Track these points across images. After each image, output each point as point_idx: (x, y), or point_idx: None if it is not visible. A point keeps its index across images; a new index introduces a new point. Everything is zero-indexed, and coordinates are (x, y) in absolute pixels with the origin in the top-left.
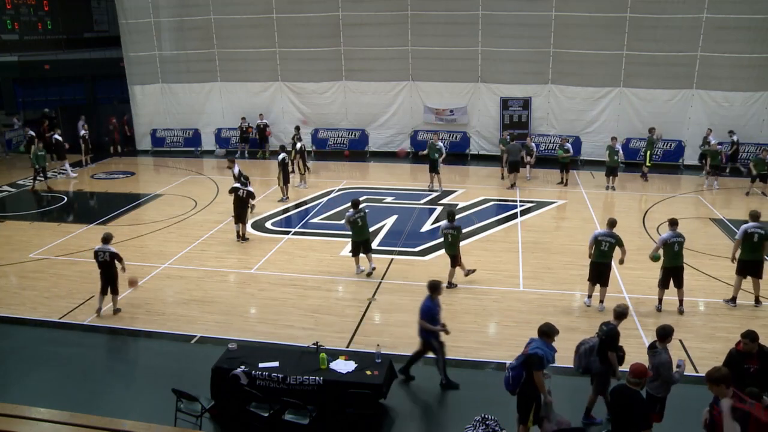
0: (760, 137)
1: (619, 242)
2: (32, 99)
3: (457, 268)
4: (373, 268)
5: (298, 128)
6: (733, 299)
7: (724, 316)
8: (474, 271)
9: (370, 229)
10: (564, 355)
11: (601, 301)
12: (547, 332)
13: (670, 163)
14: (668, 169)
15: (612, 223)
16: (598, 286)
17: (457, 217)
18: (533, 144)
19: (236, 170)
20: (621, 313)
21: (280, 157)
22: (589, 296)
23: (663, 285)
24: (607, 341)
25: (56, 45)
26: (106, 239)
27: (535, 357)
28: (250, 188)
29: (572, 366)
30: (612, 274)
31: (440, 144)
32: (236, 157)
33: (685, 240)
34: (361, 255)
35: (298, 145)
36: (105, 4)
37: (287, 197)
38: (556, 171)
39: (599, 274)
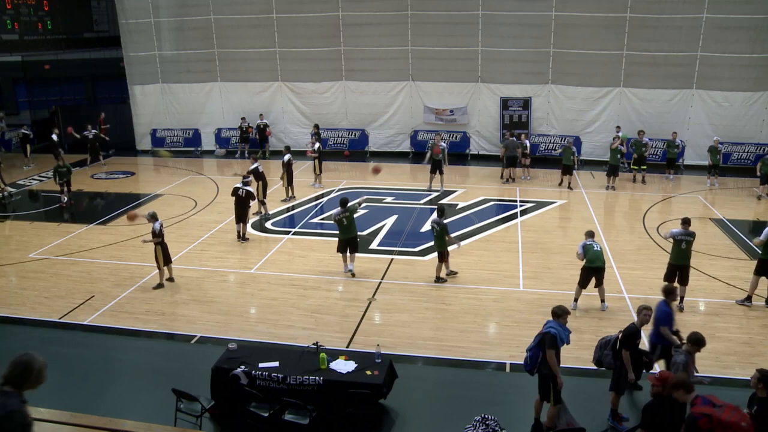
0: (760, 137)
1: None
2: (32, 99)
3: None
4: (350, 271)
5: (317, 126)
6: (749, 298)
7: (724, 316)
8: (455, 273)
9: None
10: (567, 356)
11: (603, 301)
12: (557, 312)
13: (674, 168)
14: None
15: (591, 234)
16: (596, 287)
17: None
18: (527, 141)
19: (258, 167)
20: (637, 311)
21: (286, 157)
22: (576, 299)
23: (668, 280)
24: (623, 339)
25: (56, 45)
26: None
27: (548, 335)
28: (249, 188)
29: (575, 366)
30: (612, 274)
31: (443, 144)
32: (236, 158)
33: (694, 239)
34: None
35: (317, 146)
36: (105, 4)
37: (293, 196)
38: (556, 171)
39: (593, 276)
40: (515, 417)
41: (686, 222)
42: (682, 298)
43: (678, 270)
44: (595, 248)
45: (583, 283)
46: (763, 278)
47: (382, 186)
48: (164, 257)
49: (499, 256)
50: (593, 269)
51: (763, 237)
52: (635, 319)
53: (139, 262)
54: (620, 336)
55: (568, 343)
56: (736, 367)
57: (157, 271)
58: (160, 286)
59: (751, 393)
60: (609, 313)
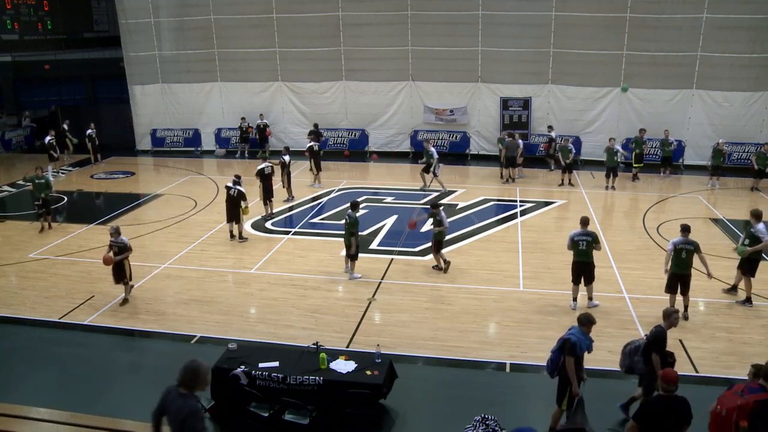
0: (760, 137)
1: (595, 240)
2: (32, 99)
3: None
4: (348, 271)
5: (316, 125)
6: (749, 299)
7: (724, 316)
8: (444, 268)
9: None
10: None
11: (590, 298)
12: (582, 321)
13: (671, 166)
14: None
15: (585, 222)
16: (585, 286)
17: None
18: (519, 141)
19: (264, 168)
20: (667, 314)
21: (286, 158)
22: (574, 299)
23: (671, 290)
24: (652, 343)
25: (56, 45)
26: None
27: (567, 342)
28: (241, 188)
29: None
30: (612, 274)
31: (432, 149)
32: (236, 157)
33: (695, 248)
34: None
35: (308, 144)
36: (105, 4)
37: (293, 197)
38: (555, 171)
39: (582, 273)
40: (515, 417)
41: (686, 229)
42: (686, 307)
43: (679, 279)
44: (580, 247)
45: (575, 280)
46: (740, 275)
47: (382, 186)
48: (130, 271)
49: (499, 256)
50: (578, 264)
51: (766, 237)
52: (635, 318)
53: (140, 262)
54: (648, 340)
55: (589, 351)
56: (736, 366)
57: (124, 286)
58: (126, 301)
59: None
60: (608, 313)
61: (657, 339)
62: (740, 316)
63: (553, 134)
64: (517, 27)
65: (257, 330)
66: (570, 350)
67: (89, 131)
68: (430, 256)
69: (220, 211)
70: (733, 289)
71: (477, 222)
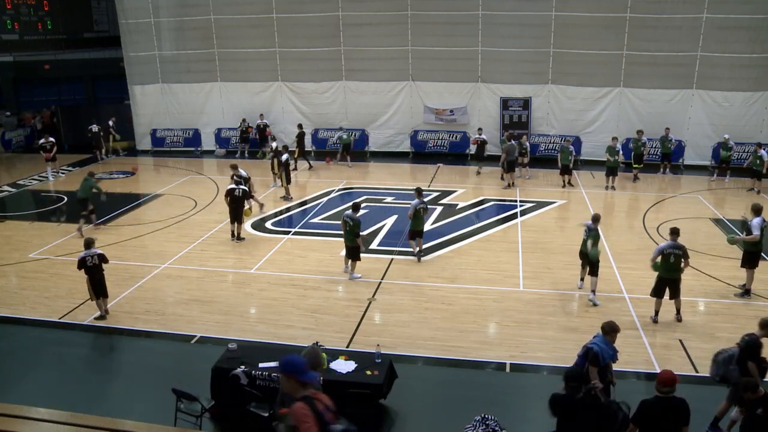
0: (760, 137)
1: (591, 237)
2: (32, 99)
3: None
4: (347, 271)
5: (300, 126)
6: (748, 291)
7: (724, 315)
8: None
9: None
10: (561, 356)
11: (593, 291)
12: (606, 329)
13: (670, 163)
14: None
15: (593, 218)
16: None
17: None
18: (527, 143)
19: (284, 158)
20: (764, 325)
21: (284, 157)
22: (581, 279)
23: (657, 294)
24: (748, 351)
25: (56, 45)
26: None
27: (590, 352)
28: (244, 187)
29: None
30: (612, 274)
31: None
32: (236, 157)
33: (683, 252)
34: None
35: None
36: (105, 4)
37: (291, 197)
38: (556, 171)
39: (582, 261)
40: (515, 417)
41: (675, 232)
42: (678, 310)
43: (667, 284)
44: (583, 236)
45: (582, 265)
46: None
47: (382, 186)
48: (94, 289)
49: (499, 256)
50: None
51: (756, 231)
52: (635, 318)
53: (140, 262)
54: (743, 347)
55: (614, 361)
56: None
57: (94, 301)
58: (101, 317)
59: None
60: (609, 313)
61: (752, 347)
62: (740, 316)
63: (483, 136)
64: (517, 27)
65: (257, 330)
66: (593, 360)
67: (92, 127)
68: (430, 256)
69: (221, 211)
70: (746, 293)
71: (477, 222)
